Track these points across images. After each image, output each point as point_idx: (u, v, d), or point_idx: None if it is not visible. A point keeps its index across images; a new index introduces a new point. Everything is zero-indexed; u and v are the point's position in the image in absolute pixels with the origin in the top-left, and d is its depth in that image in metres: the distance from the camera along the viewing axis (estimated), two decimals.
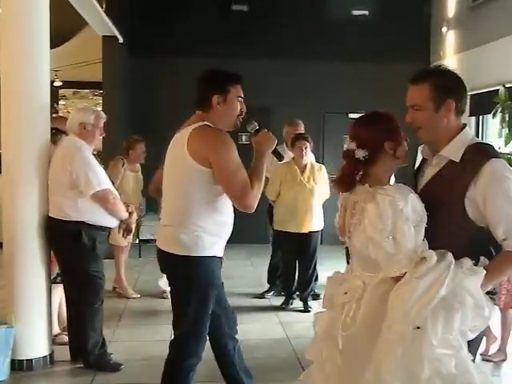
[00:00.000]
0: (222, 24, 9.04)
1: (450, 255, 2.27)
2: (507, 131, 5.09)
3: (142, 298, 6.35)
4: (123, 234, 4.47)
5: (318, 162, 6.33)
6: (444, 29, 8.99)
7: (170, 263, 3.12)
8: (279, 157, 3.38)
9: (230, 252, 8.64)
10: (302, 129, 6.30)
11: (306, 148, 5.68)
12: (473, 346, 2.34)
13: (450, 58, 8.89)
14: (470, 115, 8.14)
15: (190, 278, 3.07)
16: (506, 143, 5.26)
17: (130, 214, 4.37)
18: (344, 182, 2.48)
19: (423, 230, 2.29)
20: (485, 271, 2.25)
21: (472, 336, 2.29)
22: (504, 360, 4.67)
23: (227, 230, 3.26)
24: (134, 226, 4.47)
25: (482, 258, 2.30)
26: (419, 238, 2.29)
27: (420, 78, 2.36)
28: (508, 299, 4.58)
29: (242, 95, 3.23)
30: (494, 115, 5.29)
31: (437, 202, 2.31)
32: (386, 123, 2.45)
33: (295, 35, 9.07)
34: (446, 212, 2.31)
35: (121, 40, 8.14)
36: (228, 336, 3.45)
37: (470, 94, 7.91)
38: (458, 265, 2.26)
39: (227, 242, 10.02)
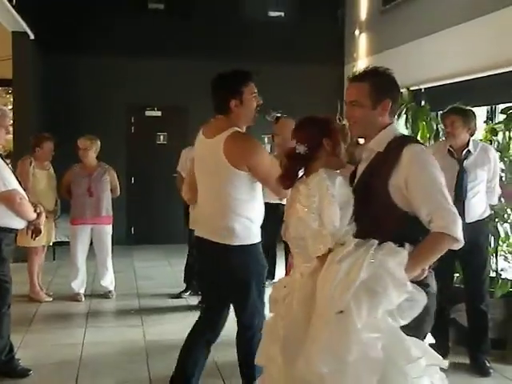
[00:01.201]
0: (137, 22, 8.92)
1: (372, 240, 2.37)
2: (411, 132, 5.31)
3: (54, 302, 6.19)
4: (32, 236, 4.35)
5: None
6: (357, 32, 9.26)
7: (224, 254, 3.31)
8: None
9: (148, 253, 8.76)
10: None
11: None
12: (415, 331, 2.40)
13: (363, 60, 9.16)
14: None
15: (248, 264, 3.31)
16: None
17: (38, 214, 4.25)
18: (287, 177, 2.64)
19: (348, 214, 2.42)
20: (406, 251, 2.35)
21: (403, 322, 2.34)
22: None
23: (262, 216, 3.45)
24: (42, 227, 4.35)
25: (406, 244, 2.38)
26: (344, 220, 2.41)
27: (361, 77, 2.53)
28: None
29: (256, 90, 3.37)
30: (399, 116, 5.51)
31: (367, 191, 2.46)
32: (324, 123, 2.64)
33: (216, 35, 9.09)
34: (375, 200, 2.44)
35: (32, 36, 7.90)
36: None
37: None
38: (378, 248, 2.36)
39: (145, 243, 9.99)
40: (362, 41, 9.24)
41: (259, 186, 3.34)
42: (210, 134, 3.38)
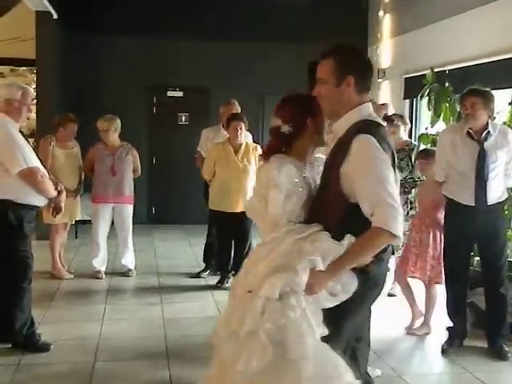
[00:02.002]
0: (161, 1, 8.90)
1: (314, 226, 2.42)
2: (433, 113, 5.25)
3: (76, 279, 6.29)
4: (52, 213, 4.40)
5: (256, 142, 6.37)
6: (381, 13, 9.13)
7: None
8: None
9: (169, 232, 8.82)
10: (237, 109, 6.29)
11: (240, 128, 5.69)
12: (338, 315, 2.40)
13: (387, 41, 9.04)
14: (404, 98, 8.35)
15: None
16: (432, 124, 5.42)
17: (59, 192, 4.30)
18: (270, 155, 2.63)
19: (293, 201, 2.45)
20: (329, 237, 2.36)
21: (328, 304, 2.37)
22: (428, 333, 4.86)
23: None
24: (63, 205, 4.40)
25: (347, 235, 2.36)
26: (288, 207, 2.44)
27: (326, 54, 2.49)
28: (433, 275, 4.76)
29: None
30: (422, 97, 5.45)
31: (325, 177, 2.48)
32: (308, 102, 2.62)
33: (237, 16, 9.04)
34: (329, 187, 2.43)
35: (55, 16, 7.93)
36: None
37: (404, 77, 8.15)
38: (313, 235, 2.39)
39: (165, 224, 10.03)
40: (386, 22, 9.10)
41: None
42: None
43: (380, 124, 2.46)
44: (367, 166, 2.32)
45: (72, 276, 6.32)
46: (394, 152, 2.50)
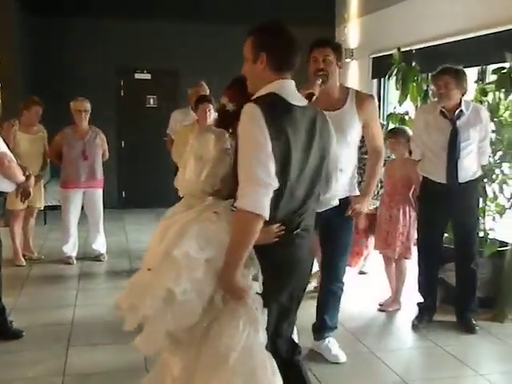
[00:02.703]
0: None
1: (225, 202, 2.43)
2: (401, 92, 5.29)
3: (46, 265, 6.23)
4: (21, 199, 4.34)
5: None
6: None
7: None
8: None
9: (139, 216, 8.76)
10: (205, 90, 6.26)
11: (209, 110, 5.64)
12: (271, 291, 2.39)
13: (354, 21, 9.06)
14: (372, 78, 8.40)
15: None
16: (400, 104, 5.47)
17: (27, 177, 4.24)
18: None
19: (207, 170, 2.47)
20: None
21: None
22: (399, 309, 4.95)
23: None
24: (31, 190, 4.34)
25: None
26: (202, 175, 2.49)
27: (249, 32, 2.49)
28: (402, 250, 4.84)
29: (316, 55, 3.46)
30: (390, 77, 5.48)
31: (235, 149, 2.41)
32: None
33: None
34: (235, 159, 2.37)
35: None
36: None
37: (371, 56, 8.19)
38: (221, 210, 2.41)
39: (136, 207, 9.94)
40: (353, 2, 9.12)
41: None
42: None
43: (282, 99, 2.34)
44: (240, 138, 2.27)
45: (24, 263, 6.17)
46: (315, 130, 2.41)
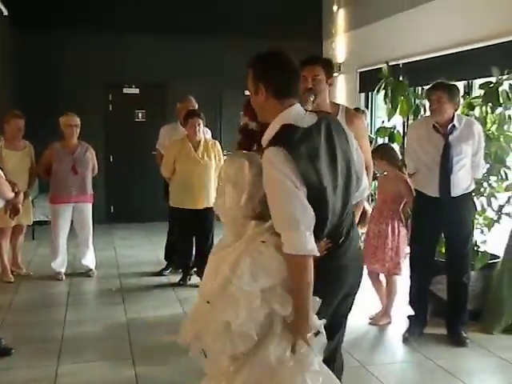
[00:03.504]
0: None
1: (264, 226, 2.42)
2: (390, 106, 5.33)
3: (35, 281, 6.17)
4: (10, 215, 4.32)
5: (215, 138, 6.37)
6: (335, 7, 9.22)
7: None
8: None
9: (129, 231, 8.74)
10: (193, 105, 6.28)
11: (198, 125, 5.68)
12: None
13: (341, 35, 9.14)
14: (360, 92, 8.47)
15: None
16: (389, 118, 5.51)
17: (16, 193, 4.22)
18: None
19: (245, 195, 2.46)
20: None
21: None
22: (389, 323, 4.96)
23: None
24: (21, 207, 4.32)
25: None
26: (241, 201, 2.48)
27: (248, 65, 2.48)
28: (392, 266, 4.86)
29: (305, 74, 3.35)
30: (378, 91, 5.53)
31: None
32: None
33: (192, 10, 8.98)
34: None
35: (5, 12, 7.73)
36: None
37: (359, 71, 8.27)
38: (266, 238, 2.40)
39: (124, 222, 9.90)
40: (341, 16, 9.21)
41: None
42: None
43: (297, 128, 2.35)
44: (267, 187, 2.31)
45: (12, 279, 6.12)
46: (333, 139, 2.43)
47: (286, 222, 2.27)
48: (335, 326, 2.65)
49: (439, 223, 4.47)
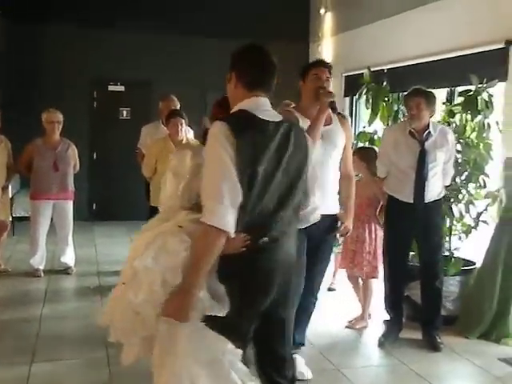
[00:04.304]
0: None
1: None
2: (371, 111, 5.37)
3: (13, 277, 6.14)
4: None
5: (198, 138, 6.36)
6: (322, 10, 9.25)
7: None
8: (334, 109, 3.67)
9: (110, 229, 8.70)
10: (176, 104, 6.26)
11: (181, 124, 5.66)
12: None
13: (327, 39, 9.17)
14: (345, 96, 8.50)
15: None
16: (370, 123, 5.55)
17: None
18: None
19: (182, 185, 2.57)
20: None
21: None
22: (366, 327, 4.99)
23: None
24: None
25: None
26: (179, 190, 2.60)
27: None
28: (369, 270, 4.89)
29: (322, 74, 3.62)
30: (360, 96, 5.56)
31: None
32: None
33: (180, 9, 8.97)
34: None
35: None
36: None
37: (344, 75, 8.29)
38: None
39: (107, 220, 9.81)
40: (327, 20, 9.24)
41: None
42: None
43: (252, 114, 2.38)
44: (205, 158, 2.34)
45: (8, 269, 6.15)
46: (288, 144, 2.44)
47: (213, 193, 2.26)
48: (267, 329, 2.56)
49: (411, 228, 4.52)
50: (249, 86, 2.46)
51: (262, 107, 2.45)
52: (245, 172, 2.28)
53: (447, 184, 4.64)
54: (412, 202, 4.40)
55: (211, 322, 2.33)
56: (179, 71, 9.09)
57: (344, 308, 5.31)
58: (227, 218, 2.24)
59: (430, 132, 4.40)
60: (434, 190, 4.46)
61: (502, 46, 5.29)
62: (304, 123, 3.41)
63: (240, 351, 2.40)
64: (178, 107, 6.18)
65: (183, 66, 9.17)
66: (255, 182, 2.32)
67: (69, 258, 6.42)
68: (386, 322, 4.76)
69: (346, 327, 4.98)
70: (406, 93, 4.66)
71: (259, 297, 2.46)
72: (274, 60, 2.51)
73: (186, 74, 9.05)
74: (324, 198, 3.44)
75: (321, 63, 3.71)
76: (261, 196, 2.35)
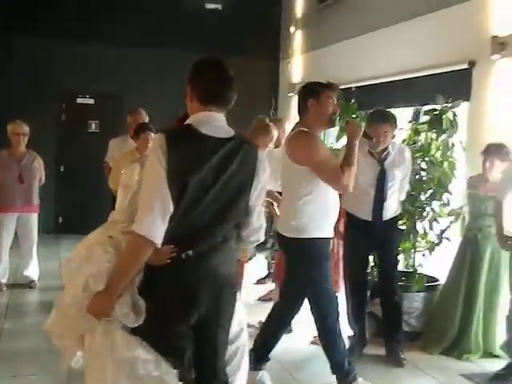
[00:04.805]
0: (71, 6, 8.72)
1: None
2: (339, 128, 5.42)
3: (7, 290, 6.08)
4: None
5: None
6: (292, 28, 9.35)
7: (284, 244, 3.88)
8: (369, 138, 3.98)
9: (76, 242, 8.43)
10: (144, 118, 6.25)
11: (150, 138, 5.64)
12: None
13: (298, 57, 9.27)
14: None
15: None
16: (337, 139, 5.60)
17: None
18: None
19: (129, 197, 2.68)
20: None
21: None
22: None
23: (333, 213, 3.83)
24: None
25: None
26: (120, 203, 2.75)
27: None
28: None
29: (334, 98, 3.72)
30: None
31: None
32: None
33: (154, 23, 8.97)
34: None
35: None
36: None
37: None
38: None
39: (73, 233, 9.69)
40: (298, 38, 9.34)
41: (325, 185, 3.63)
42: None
43: (193, 129, 2.40)
44: (144, 168, 2.43)
45: None
46: (231, 162, 2.45)
47: (144, 204, 2.32)
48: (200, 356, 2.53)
49: (370, 245, 4.58)
50: (202, 101, 2.47)
51: (212, 122, 2.46)
52: (174, 184, 2.30)
53: (402, 199, 4.71)
54: (371, 219, 4.44)
55: (136, 329, 2.40)
56: (149, 85, 9.06)
57: (310, 324, 5.29)
58: (155, 229, 2.28)
59: (389, 152, 4.47)
60: (392, 207, 4.53)
61: (465, 66, 5.41)
62: None
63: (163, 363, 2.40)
64: (147, 121, 6.16)
65: (154, 79, 9.15)
66: (185, 195, 2.34)
67: (32, 271, 6.32)
68: (350, 337, 4.78)
69: (311, 343, 4.98)
70: (370, 113, 4.68)
71: (181, 309, 2.43)
72: (229, 74, 2.51)
73: (156, 87, 9.03)
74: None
75: (333, 86, 3.78)
76: (190, 209, 2.37)
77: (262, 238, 2.72)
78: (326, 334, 3.88)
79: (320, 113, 3.66)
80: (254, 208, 2.57)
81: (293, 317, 4.14)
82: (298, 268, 3.78)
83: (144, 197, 2.33)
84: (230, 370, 2.76)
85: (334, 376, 3.98)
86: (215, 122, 2.47)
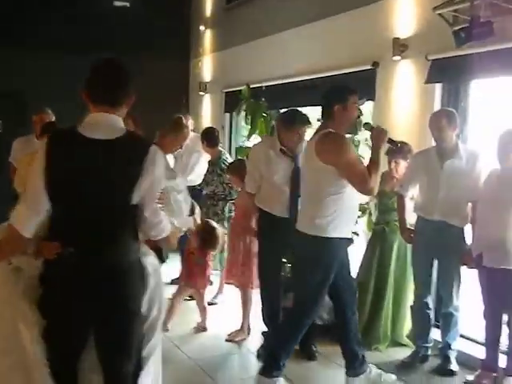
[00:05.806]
0: None
1: None
2: (250, 127, 5.47)
3: None
4: None
5: None
6: (202, 27, 9.34)
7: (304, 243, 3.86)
8: (395, 145, 3.93)
9: None
10: (50, 117, 6.07)
11: None
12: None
13: (208, 56, 9.27)
14: (225, 112, 8.61)
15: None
16: (248, 137, 5.65)
17: None
18: None
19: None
20: None
21: None
22: (245, 339, 5.03)
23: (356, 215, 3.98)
24: None
25: None
26: None
27: None
28: (243, 280, 4.97)
29: (356, 102, 3.77)
30: (239, 112, 5.64)
31: None
32: None
33: (51, 22, 8.66)
34: None
35: None
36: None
37: (224, 91, 8.38)
38: None
39: None
40: (207, 37, 9.34)
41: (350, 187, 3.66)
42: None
43: (73, 131, 2.46)
44: None
45: None
46: (106, 161, 2.46)
47: (22, 197, 2.53)
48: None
49: (283, 240, 4.62)
50: (91, 102, 2.52)
51: (94, 124, 2.49)
52: (51, 183, 2.41)
53: None
54: (287, 216, 4.47)
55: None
56: (54, 84, 8.76)
57: (225, 321, 5.32)
58: (23, 221, 2.44)
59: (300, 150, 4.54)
60: None
61: (369, 67, 5.60)
62: None
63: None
64: (53, 120, 5.98)
65: (58, 79, 8.85)
66: (63, 194, 2.44)
67: None
68: (263, 333, 4.83)
69: (226, 340, 5.00)
70: (288, 115, 4.62)
71: (67, 302, 2.50)
72: (120, 74, 2.53)
73: (61, 87, 8.73)
74: None
75: (357, 92, 3.80)
76: (70, 208, 2.45)
77: (165, 233, 2.69)
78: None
79: (346, 119, 3.73)
80: (147, 204, 2.53)
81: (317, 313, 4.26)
82: (315, 267, 3.80)
83: (24, 191, 2.52)
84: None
85: (252, 371, 4.01)
86: (102, 123, 2.49)
